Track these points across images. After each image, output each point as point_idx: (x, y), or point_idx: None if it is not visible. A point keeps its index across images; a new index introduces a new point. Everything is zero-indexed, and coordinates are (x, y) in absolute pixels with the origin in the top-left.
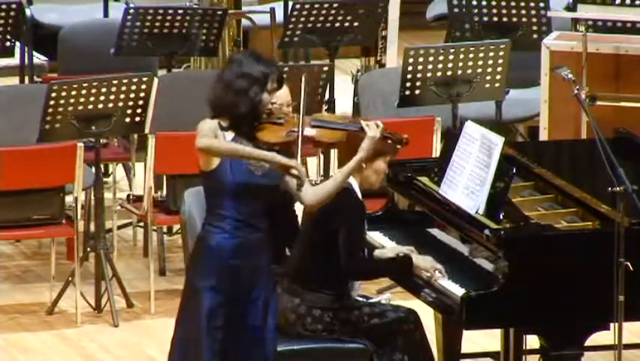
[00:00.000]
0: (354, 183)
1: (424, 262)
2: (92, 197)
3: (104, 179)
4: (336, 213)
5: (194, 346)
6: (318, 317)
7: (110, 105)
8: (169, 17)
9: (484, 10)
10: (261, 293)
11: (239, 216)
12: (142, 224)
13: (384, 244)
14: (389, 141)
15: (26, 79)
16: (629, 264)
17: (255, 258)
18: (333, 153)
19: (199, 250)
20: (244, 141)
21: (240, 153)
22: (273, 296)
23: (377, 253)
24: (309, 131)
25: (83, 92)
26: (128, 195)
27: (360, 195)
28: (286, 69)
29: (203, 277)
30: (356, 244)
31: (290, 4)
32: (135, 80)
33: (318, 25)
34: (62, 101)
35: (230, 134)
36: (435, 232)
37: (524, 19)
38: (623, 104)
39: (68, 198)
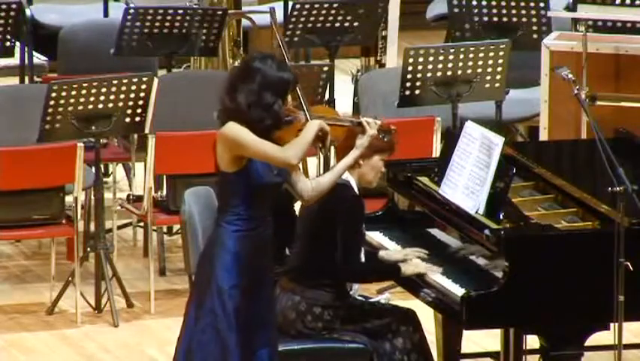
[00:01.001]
0: (352, 180)
1: (414, 268)
2: (92, 197)
3: (104, 179)
4: (333, 210)
5: (214, 345)
6: (318, 315)
7: (110, 105)
8: (169, 17)
9: (484, 10)
10: (269, 289)
11: (256, 214)
12: (142, 224)
13: (384, 244)
14: (380, 133)
15: (26, 79)
16: (629, 264)
17: (268, 254)
18: (332, 152)
19: (219, 250)
20: None
21: (309, 141)
22: (274, 296)
23: (382, 253)
24: None
25: (83, 92)
26: (128, 195)
27: (357, 192)
28: None
29: (226, 276)
30: (353, 244)
31: (290, 4)
32: (135, 80)
33: (318, 25)
34: (62, 101)
35: None
36: (435, 232)
37: (524, 19)
38: (623, 104)
39: (68, 198)
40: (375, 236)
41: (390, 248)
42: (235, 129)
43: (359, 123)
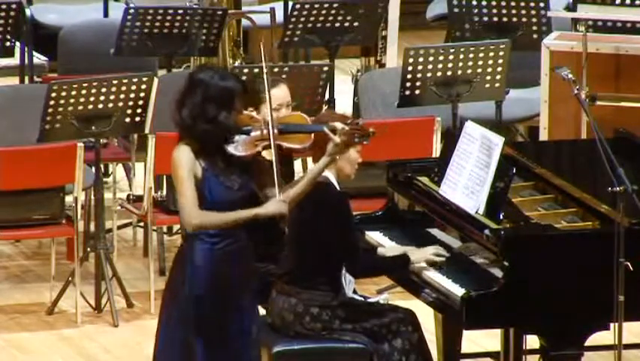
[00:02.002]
0: (331, 176)
1: (420, 253)
2: (92, 197)
3: (104, 179)
4: (321, 210)
5: (180, 353)
6: (316, 315)
7: (110, 105)
8: (169, 17)
9: (484, 10)
10: (246, 300)
11: (222, 230)
12: (142, 224)
13: (384, 244)
14: (355, 137)
15: (26, 79)
16: (629, 264)
17: (239, 266)
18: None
19: (187, 263)
20: (219, 161)
21: (227, 222)
22: (255, 302)
23: (381, 250)
24: (278, 139)
25: (83, 92)
26: (128, 195)
27: (338, 187)
28: (286, 69)
29: (193, 289)
30: (354, 240)
31: (290, 4)
32: (135, 80)
33: (318, 25)
34: (62, 101)
35: (203, 161)
36: (435, 232)
37: (524, 19)
38: (623, 104)
39: (68, 198)
40: (375, 236)
41: (389, 247)
42: (176, 161)
43: (324, 131)
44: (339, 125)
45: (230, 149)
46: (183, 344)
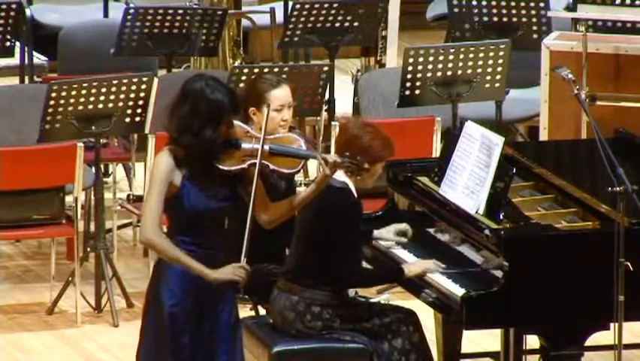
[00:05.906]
0: (349, 182)
1: (417, 268)
2: (92, 197)
3: (104, 179)
4: (334, 215)
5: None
6: (317, 314)
7: (110, 105)
8: (169, 17)
9: (484, 10)
10: (225, 306)
11: (198, 240)
12: None
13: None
14: (349, 168)
15: (26, 79)
16: (629, 264)
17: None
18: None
19: (164, 268)
20: (202, 172)
21: (181, 262)
22: (238, 316)
23: (376, 233)
24: (268, 159)
25: (83, 92)
26: (128, 195)
27: (355, 194)
28: (286, 69)
29: (168, 295)
30: (356, 251)
31: (290, 4)
32: (135, 80)
33: (318, 25)
34: (62, 101)
35: (185, 170)
36: (435, 231)
37: (524, 19)
38: (623, 104)
39: (68, 198)
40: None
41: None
42: (155, 165)
43: (315, 157)
44: (331, 157)
45: (217, 162)
46: (154, 348)
